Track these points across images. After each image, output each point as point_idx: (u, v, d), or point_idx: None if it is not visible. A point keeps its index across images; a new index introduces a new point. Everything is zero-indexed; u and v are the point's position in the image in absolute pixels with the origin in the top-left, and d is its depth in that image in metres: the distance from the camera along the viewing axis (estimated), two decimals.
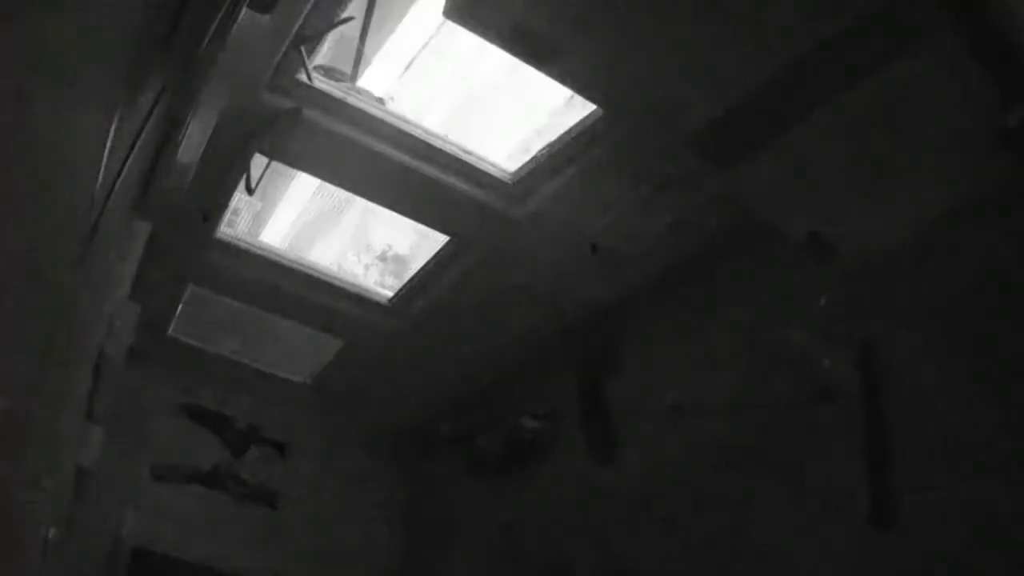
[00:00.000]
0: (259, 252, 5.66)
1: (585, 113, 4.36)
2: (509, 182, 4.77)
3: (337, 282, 5.83)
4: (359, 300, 5.84)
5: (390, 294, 5.87)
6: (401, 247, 7.50)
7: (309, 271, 5.78)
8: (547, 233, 4.90)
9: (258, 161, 4.80)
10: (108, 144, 2.28)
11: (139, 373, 5.60)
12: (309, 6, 3.77)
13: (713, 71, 3.50)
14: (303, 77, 4.19)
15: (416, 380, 6.38)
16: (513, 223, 4.86)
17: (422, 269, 5.59)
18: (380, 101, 4.64)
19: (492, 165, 4.78)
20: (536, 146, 4.68)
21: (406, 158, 4.59)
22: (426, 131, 4.64)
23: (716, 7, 3.23)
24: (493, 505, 6.17)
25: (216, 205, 4.99)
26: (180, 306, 5.90)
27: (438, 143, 4.63)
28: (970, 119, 3.36)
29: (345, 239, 8.87)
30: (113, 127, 2.30)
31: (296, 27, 3.84)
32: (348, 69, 4.74)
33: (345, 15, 4.03)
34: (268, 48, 3.91)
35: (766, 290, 4.60)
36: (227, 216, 5.32)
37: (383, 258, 7.93)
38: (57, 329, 2.49)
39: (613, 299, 5.39)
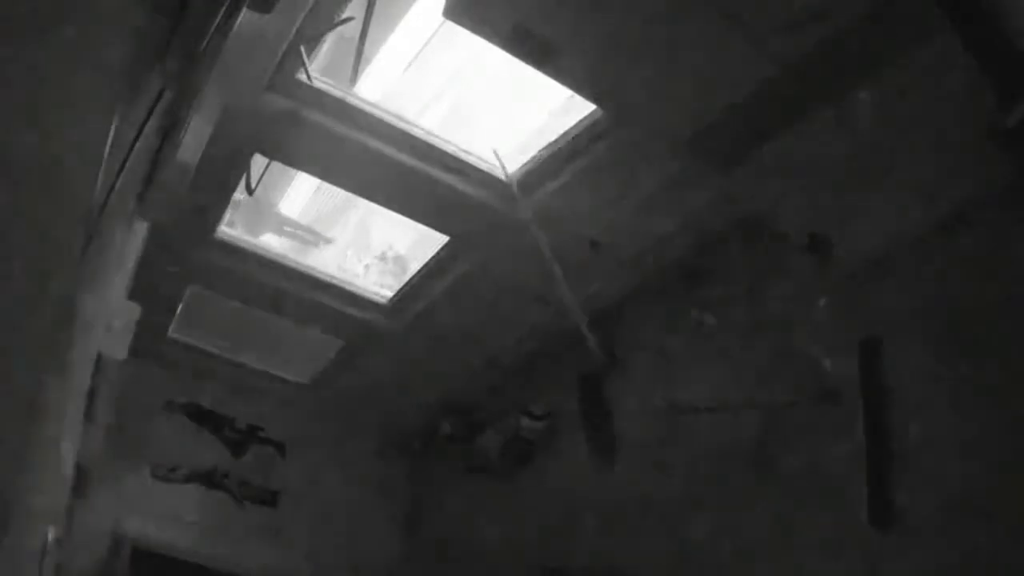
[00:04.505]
0: (259, 252, 5.66)
1: (585, 113, 4.36)
2: (509, 182, 4.76)
3: (337, 282, 5.83)
4: (359, 300, 5.84)
5: (390, 294, 5.87)
6: (401, 247, 7.51)
7: (309, 271, 5.78)
8: (547, 233, 4.90)
9: (258, 161, 4.80)
10: (108, 144, 2.28)
11: (139, 373, 5.60)
12: (309, 6, 3.77)
13: (713, 71, 3.50)
14: (303, 77, 4.19)
15: (416, 380, 6.38)
16: (513, 223, 4.86)
17: (422, 269, 5.59)
18: None
19: (492, 165, 4.78)
20: (536, 146, 4.68)
21: (406, 158, 4.59)
22: (426, 131, 4.64)
23: (716, 7, 3.23)
24: (493, 505, 6.17)
25: (216, 205, 4.99)
26: (180, 306, 5.90)
27: (438, 143, 4.63)
28: (970, 119, 3.36)
29: (345, 239, 8.88)
30: (113, 127, 2.30)
31: (296, 27, 3.84)
32: (348, 69, 4.74)
33: (345, 15, 4.03)
34: (268, 48, 3.91)
35: (766, 290, 4.60)
36: (227, 216, 5.32)
37: (383, 258, 7.94)
38: (57, 330, 2.49)
39: (613, 299, 5.39)
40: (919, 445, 3.68)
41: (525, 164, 4.72)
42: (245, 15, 2.88)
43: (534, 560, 5.58)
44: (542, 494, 5.76)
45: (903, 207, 3.77)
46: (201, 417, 6.39)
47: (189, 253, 5.29)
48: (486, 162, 4.77)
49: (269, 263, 5.63)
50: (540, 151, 4.63)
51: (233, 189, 4.91)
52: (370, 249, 8.29)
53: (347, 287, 5.84)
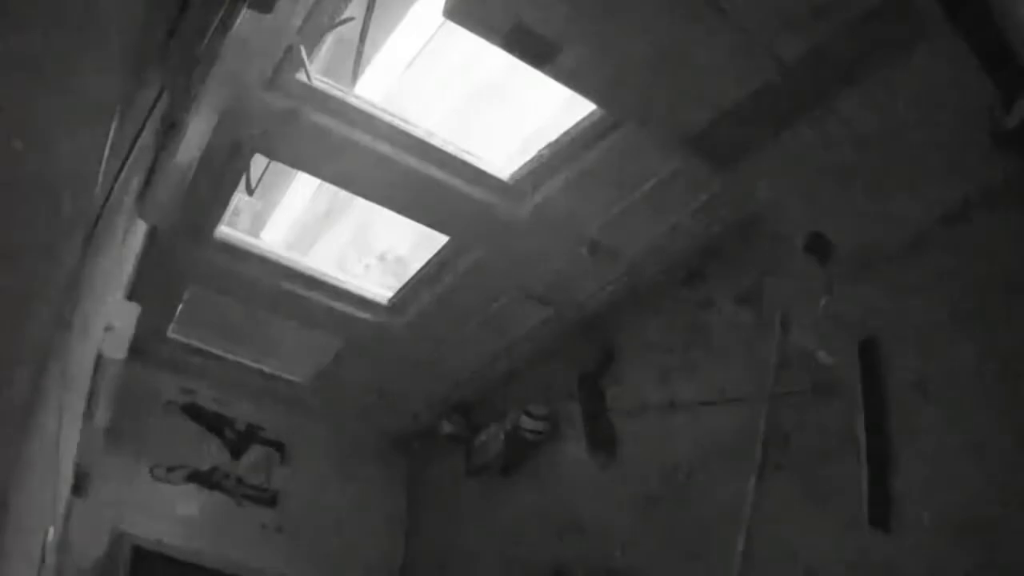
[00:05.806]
0: (259, 252, 5.66)
1: (585, 113, 4.36)
2: (509, 182, 4.76)
3: (337, 282, 5.83)
4: (359, 300, 5.84)
5: (390, 294, 5.87)
6: (401, 247, 7.49)
7: (309, 271, 5.78)
8: (547, 233, 4.90)
9: (258, 161, 4.80)
10: (108, 144, 2.28)
11: (139, 373, 5.61)
12: (309, 6, 3.77)
13: (713, 71, 3.49)
14: (303, 77, 4.19)
15: (416, 380, 6.38)
16: (513, 223, 4.86)
17: (422, 269, 5.59)
18: None
19: (492, 165, 4.78)
20: (536, 146, 4.68)
21: (406, 158, 4.58)
22: (426, 131, 4.64)
23: (716, 7, 3.23)
24: (493, 505, 6.17)
25: (216, 205, 4.99)
26: (180, 306, 5.90)
27: (438, 143, 4.62)
28: (970, 119, 3.36)
29: (345, 239, 8.85)
30: (113, 127, 2.30)
31: (296, 27, 3.84)
32: (348, 69, 4.73)
33: (345, 15, 4.02)
34: (268, 48, 3.90)
35: (766, 290, 4.60)
36: (227, 216, 5.32)
37: (383, 258, 7.92)
38: (56, 330, 2.49)
39: (613, 298, 5.39)
40: (919, 445, 3.68)
41: (525, 164, 4.72)
42: (245, 15, 2.88)
43: (534, 560, 5.58)
44: (542, 494, 5.76)
45: (903, 207, 3.77)
46: (201, 417, 6.39)
47: (189, 253, 5.29)
48: (486, 162, 4.77)
49: (269, 263, 5.62)
50: (540, 151, 4.63)
51: (233, 189, 4.91)
52: (370, 249, 8.27)
53: (347, 287, 5.83)
